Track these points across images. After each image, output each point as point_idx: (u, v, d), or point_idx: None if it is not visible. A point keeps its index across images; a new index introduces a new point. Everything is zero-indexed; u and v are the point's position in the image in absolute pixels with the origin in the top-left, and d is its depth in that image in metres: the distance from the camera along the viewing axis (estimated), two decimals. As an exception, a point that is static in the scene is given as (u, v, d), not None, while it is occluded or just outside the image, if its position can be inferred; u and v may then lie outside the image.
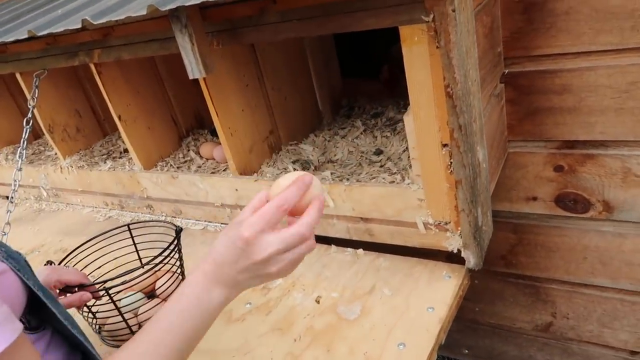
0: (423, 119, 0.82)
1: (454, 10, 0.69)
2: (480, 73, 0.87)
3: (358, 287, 0.97)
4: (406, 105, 1.37)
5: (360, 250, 1.07)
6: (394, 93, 1.45)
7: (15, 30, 1.14)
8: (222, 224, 1.29)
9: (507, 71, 1.09)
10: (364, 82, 1.56)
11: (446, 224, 0.91)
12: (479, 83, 0.83)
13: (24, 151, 1.32)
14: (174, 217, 1.38)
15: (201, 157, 1.40)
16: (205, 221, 1.32)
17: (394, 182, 1.00)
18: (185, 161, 1.41)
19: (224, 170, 1.28)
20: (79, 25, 0.88)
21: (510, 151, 1.18)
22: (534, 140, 1.14)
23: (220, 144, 1.26)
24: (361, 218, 1.02)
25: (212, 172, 1.29)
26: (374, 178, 1.05)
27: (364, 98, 1.49)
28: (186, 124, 1.54)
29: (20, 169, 1.31)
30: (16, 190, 1.31)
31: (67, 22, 0.97)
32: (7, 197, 1.34)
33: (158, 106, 1.42)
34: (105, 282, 0.90)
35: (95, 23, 0.84)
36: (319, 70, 1.37)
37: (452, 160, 0.82)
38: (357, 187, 0.99)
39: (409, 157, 1.06)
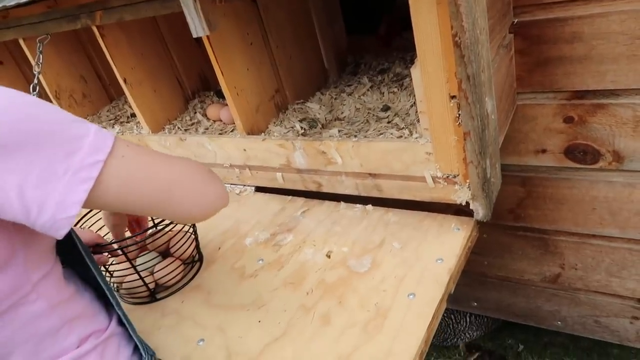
0: (430, 71, 0.81)
1: (461, -45, 0.67)
2: (489, 22, 0.85)
3: (368, 242, 0.98)
4: (413, 60, 1.35)
5: (369, 206, 1.08)
6: (390, 48, 1.43)
7: (15, -7, 1.13)
8: (231, 184, 1.30)
9: (516, 20, 1.06)
10: (370, 38, 1.53)
11: (454, 176, 0.91)
12: (487, 32, 0.81)
13: (33, 117, 1.33)
14: (184, 179, 1.39)
15: (208, 118, 1.40)
16: (215, 182, 1.33)
17: (401, 137, 1.00)
18: (193, 123, 1.41)
19: (231, 131, 1.28)
20: (79, -15, 0.87)
21: (519, 104, 1.16)
22: (543, 91, 1.12)
23: (226, 105, 1.26)
24: (369, 174, 1.02)
25: (220, 133, 1.29)
26: (382, 134, 1.05)
27: (370, 54, 1.47)
28: (191, 86, 1.53)
29: (30, 136, 1.32)
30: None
31: (67, -18, 0.95)
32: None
33: (163, 68, 1.42)
34: (120, 241, 0.92)
35: (95, -18, 0.83)
36: (323, 28, 1.34)
37: (460, 112, 0.81)
38: (365, 144, 0.99)
39: (416, 112, 1.05)
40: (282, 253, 1.02)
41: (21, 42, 1.38)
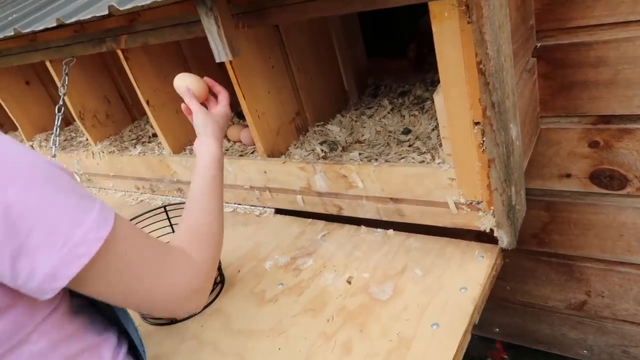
0: (454, 97, 0.81)
1: (486, -16, 0.67)
2: (513, 47, 0.84)
3: (389, 268, 0.97)
4: (433, 82, 1.35)
5: (391, 231, 1.07)
6: (420, 71, 1.43)
7: (43, 18, 1.16)
8: (251, 205, 1.30)
9: (539, 45, 1.05)
10: (390, 60, 1.53)
11: (478, 203, 0.89)
12: (511, 58, 0.80)
13: (58, 138, 1.35)
14: (204, 200, 1.40)
15: (229, 140, 1.41)
16: (235, 203, 1.33)
17: (423, 161, 0.99)
18: (213, 145, 1.41)
19: (251, 153, 1.29)
20: (106, 12, 0.88)
21: (542, 128, 1.15)
22: (567, 115, 1.11)
23: (247, 126, 1.26)
24: (391, 198, 1.01)
25: (240, 155, 1.30)
26: (403, 158, 1.04)
27: (390, 77, 1.47)
28: (212, 107, 1.54)
29: (54, 156, 1.34)
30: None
31: (94, 9, 0.97)
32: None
33: (185, 90, 1.43)
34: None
35: (121, 9, 0.84)
36: (344, 50, 1.35)
37: (484, 139, 0.80)
38: (386, 168, 0.98)
39: (438, 135, 1.04)
40: (303, 278, 1.01)
41: (48, 64, 1.41)
